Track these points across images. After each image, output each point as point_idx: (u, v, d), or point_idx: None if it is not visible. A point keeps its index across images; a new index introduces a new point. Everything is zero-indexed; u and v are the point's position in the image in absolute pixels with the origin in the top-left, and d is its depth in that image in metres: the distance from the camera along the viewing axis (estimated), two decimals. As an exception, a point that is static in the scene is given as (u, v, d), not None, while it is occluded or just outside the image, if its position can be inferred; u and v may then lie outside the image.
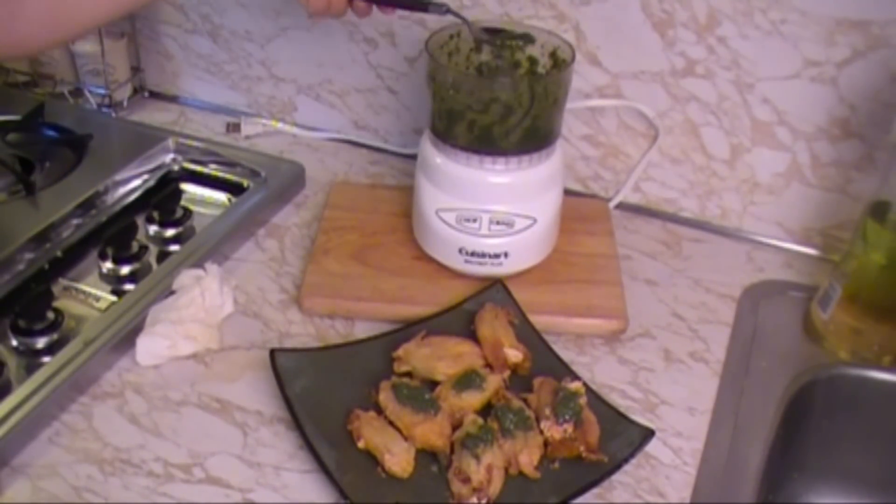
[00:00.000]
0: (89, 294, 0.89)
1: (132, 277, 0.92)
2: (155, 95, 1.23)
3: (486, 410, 0.75)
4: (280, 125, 1.17)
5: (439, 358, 0.78)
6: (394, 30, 1.07)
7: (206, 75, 1.20)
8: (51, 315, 0.84)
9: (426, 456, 0.72)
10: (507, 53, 0.90)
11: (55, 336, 0.83)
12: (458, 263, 0.88)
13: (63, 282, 0.90)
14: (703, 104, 0.97)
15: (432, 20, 1.03)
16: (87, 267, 0.93)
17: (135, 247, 0.94)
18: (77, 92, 1.19)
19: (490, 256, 0.87)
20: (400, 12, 0.91)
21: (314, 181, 1.06)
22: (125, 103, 1.19)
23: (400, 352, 0.79)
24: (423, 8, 0.85)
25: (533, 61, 0.90)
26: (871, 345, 0.85)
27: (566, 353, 0.83)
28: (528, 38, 0.88)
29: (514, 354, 0.79)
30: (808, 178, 0.97)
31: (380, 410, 0.75)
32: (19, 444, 0.72)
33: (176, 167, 1.07)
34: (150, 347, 0.80)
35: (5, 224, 0.94)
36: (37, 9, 0.63)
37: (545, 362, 0.81)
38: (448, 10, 0.85)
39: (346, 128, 1.16)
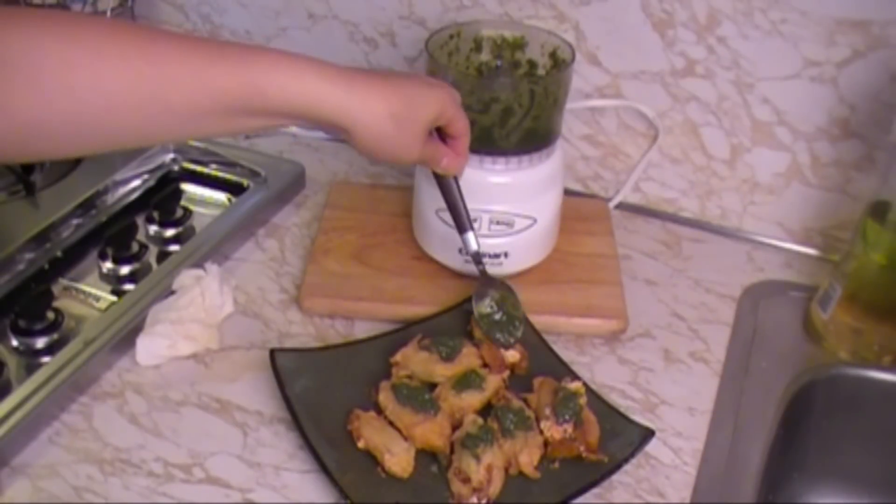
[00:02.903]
0: (89, 294, 0.89)
1: (132, 277, 0.92)
2: (155, 95, 1.23)
3: (486, 410, 0.75)
4: (280, 125, 1.17)
5: (437, 361, 0.78)
6: (394, 30, 1.07)
7: (206, 75, 1.19)
8: (51, 315, 0.84)
9: (426, 456, 0.72)
10: (507, 54, 0.90)
11: (55, 336, 0.83)
12: (458, 263, 0.88)
13: (63, 282, 0.90)
14: (703, 104, 0.97)
15: (432, 20, 1.03)
16: (87, 267, 0.93)
17: (135, 247, 0.94)
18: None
19: (490, 256, 0.87)
20: None
21: (314, 181, 1.06)
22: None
23: (398, 357, 0.79)
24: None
25: (532, 63, 0.90)
26: (871, 345, 0.85)
27: (566, 353, 0.83)
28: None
29: (512, 354, 0.79)
30: (808, 178, 0.97)
31: (380, 410, 0.75)
32: (19, 444, 0.72)
33: (176, 167, 1.07)
34: (150, 347, 0.80)
35: (5, 224, 0.94)
36: (59, 129, 0.60)
37: (545, 362, 0.81)
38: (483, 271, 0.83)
39: (346, 128, 1.16)
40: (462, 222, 0.81)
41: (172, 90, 0.60)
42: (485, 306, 0.81)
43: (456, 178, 0.80)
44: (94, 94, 0.58)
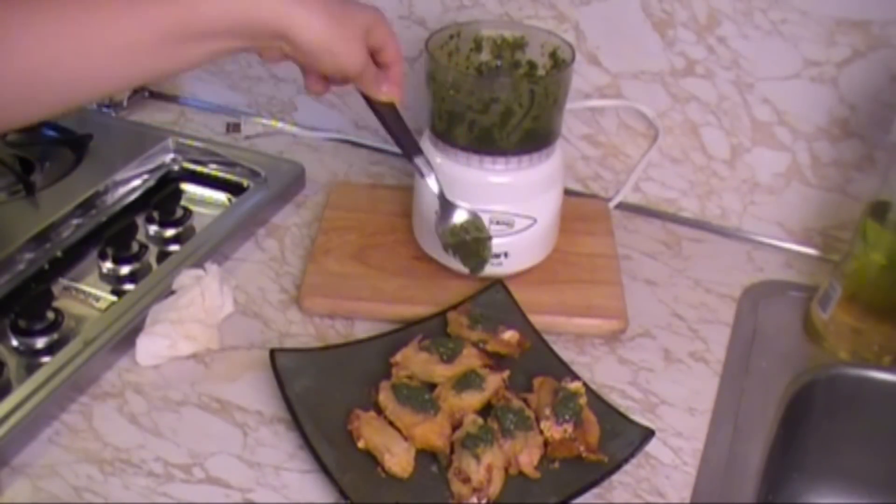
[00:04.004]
0: (89, 294, 0.89)
1: (132, 277, 0.92)
2: (155, 95, 1.23)
3: (486, 410, 0.75)
4: (280, 125, 1.17)
5: (437, 362, 0.78)
6: (394, 29, 1.06)
7: (206, 75, 1.20)
8: (51, 315, 0.84)
9: (426, 456, 0.72)
10: (507, 54, 0.90)
11: (55, 336, 0.83)
12: (457, 263, 0.88)
13: (63, 282, 0.90)
14: (703, 104, 0.97)
15: (432, 20, 1.03)
16: (87, 267, 0.93)
17: (135, 247, 0.94)
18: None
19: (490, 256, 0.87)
20: None
21: (314, 181, 1.06)
22: (125, 103, 1.19)
23: (398, 357, 0.79)
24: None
25: (532, 63, 0.90)
26: (871, 345, 0.85)
27: (566, 353, 0.83)
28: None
29: (510, 335, 0.80)
30: (808, 178, 0.97)
31: (380, 410, 0.75)
32: (19, 444, 0.72)
33: (176, 167, 1.07)
34: (150, 347, 0.80)
35: (5, 224, 0.94)
36: (11, 90, 0.59)
37: (545, 362, 0.81)
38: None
39: (347, 128, 1.16)
40: (412, 146, 0.81)
41: (111, 31, 0.60)
42: (447, 231, 0.83)
43: (395, 106, 0.79)
44: (37, 52, 0.58)
